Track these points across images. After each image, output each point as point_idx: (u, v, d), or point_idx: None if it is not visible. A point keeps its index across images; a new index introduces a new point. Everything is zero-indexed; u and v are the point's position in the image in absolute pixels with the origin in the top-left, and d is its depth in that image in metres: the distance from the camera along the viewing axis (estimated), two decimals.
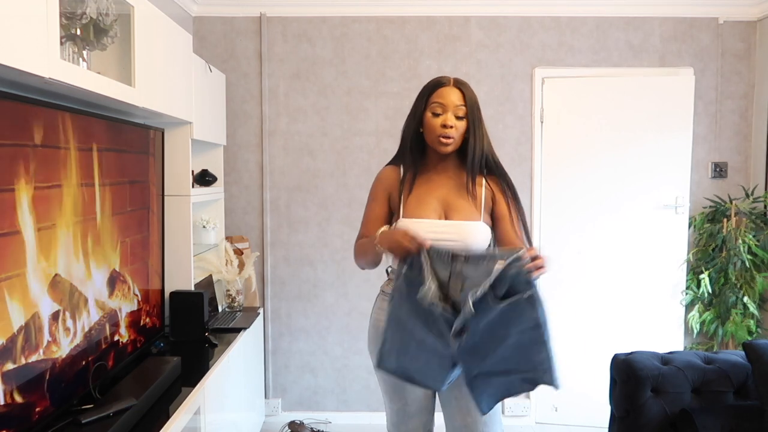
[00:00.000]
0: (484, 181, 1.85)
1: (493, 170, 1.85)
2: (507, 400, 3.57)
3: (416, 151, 1.87)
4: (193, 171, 2.94)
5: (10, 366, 1.50)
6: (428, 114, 1.81)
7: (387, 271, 1.93)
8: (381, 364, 1.72)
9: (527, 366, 1.64)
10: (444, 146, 1.80)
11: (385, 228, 1.79)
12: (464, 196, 1.82)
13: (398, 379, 1.76)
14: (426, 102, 1.81)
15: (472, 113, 1.80)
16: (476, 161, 1.81)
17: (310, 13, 3.46)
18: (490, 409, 1.71)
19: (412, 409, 1.92)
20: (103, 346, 2.02)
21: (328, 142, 3.52)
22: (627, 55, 3.47)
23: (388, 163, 1.95)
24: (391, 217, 1.89)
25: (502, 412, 3.58)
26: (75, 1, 1.80)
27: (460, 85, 1.82)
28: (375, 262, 1.84)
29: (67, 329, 1.77)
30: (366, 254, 1.84)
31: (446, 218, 1.81)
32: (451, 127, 1.78)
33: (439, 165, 1.87)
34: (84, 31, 1.91)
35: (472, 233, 1.78)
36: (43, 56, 1.53)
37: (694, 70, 3.47)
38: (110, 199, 2.05)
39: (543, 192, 3.51)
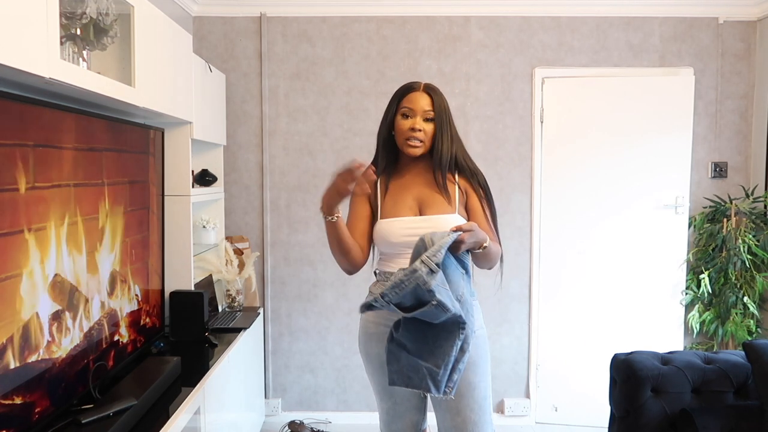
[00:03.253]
0: (456, 178, 1.91)
1: (464, 170, 1.90)
2: (507, 400, 3.57)
3: (389, 154, 1.93)
4: (193, 171, 2.94)
5: (10, 366, 1.50)
6: (398, 117, 1.87)
7: (375, 272, 1.96)
8: (392, 383, 1.76)
9: (433, 359, 1.69)
10: (412, 149, 1.86)
11: (385, 242, 1.83)
12: (437, 193, 1.87)
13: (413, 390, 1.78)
14: (396, 106, 1.88)
15: (440, 117, 1.85)
16: (443, 161, 1.86)
17: (310, 13, 3.46)
18: (393, 384, 1.73)
19: (402, 409, 1.94)
20: (103, 346, 2.02)
21: (328, 142, 3.52)
22: (627, 55, 3.47)
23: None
24: (373, 218, 1.93)
25: (503, 412, 3.58)
26: (75, 1, 1.80)
27: (429, 90, 1.87)
28: (340, 248, 1.82)
29: (67, 329, 1.77)
30: (330, 240, 1.81)
31: (421, 214, 1.86)
32: (419, 130, 1.83)
33: (412, 166, 1.92)
34: (84, 31, 1.91)
35: (447, 226, 1.81)
36: (43, 56, 1.53)
37: (694, 70, 3.47)
38: (110, 199, 2.05)
39: (543, 192, 3.51)
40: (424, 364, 1.69)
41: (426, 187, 1.89)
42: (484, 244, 1.72)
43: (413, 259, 1.61)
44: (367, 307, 1.65)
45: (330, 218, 1.75)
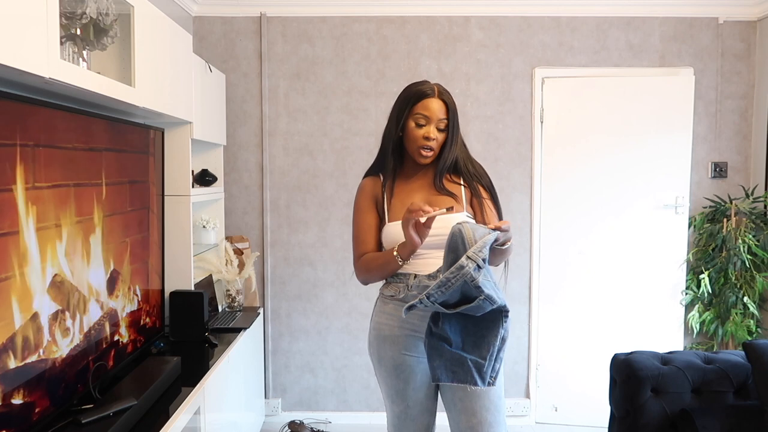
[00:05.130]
0: (461, 180, 1.92)
1: (464, 173, 1.91)
2: (507, 400, 3.56)
3: (396, 156, 1.92)
4: (193, 171, 2.94)
5: (10, 366, 1.50)
6: (411, 123, 1.85)
7: None
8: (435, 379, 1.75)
9: (477, 351, 1.68)
10: (424, 158, 1.87)
11: (397, 245, 1.80)
12: (444, 193, 1.88)
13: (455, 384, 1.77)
14: (410, 111, 1.85)
15: (453, 125, 1.86)
16: (446, 165, 1.88)
17: (310, 13, 3.46)
18: (437, 381, 1.72)
19: (414, 412, 1.92)
20: (103, 346, 2.02)
21: (328, 142, 3.52)
22: (627, 55, 3.47)
23: (366, 175, 2.00)
24: (380, 222, 1.92)
25: None
26: (75, 1, 1.80)
27: (443, 96, 1.86)
28: (390, 275, 1.88)
29: (67, 329, 1.77)
30: (384, 270, 1.85)
31: None
32: (434, 139, 1.84)
33: (418, 168, 1.93)
34: (84, 31, 1.91)
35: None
36: (43, 56, 1.53)
37: (694, 70, 3.47)
38: (110, 199, 2.05)
39: (543, 192, 3.51)
40: (469, 356, 1.67)
41: (433, 188, 1.90)
42: (509, 242, 1.72)
43: (450, 250, 1.60)
44: (410, 308, 1.63)
45: (404, 263, 1.77)
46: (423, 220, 1.67)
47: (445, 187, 1.88)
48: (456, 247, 1.58)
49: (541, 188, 3.51)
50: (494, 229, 1.61)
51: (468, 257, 1.54)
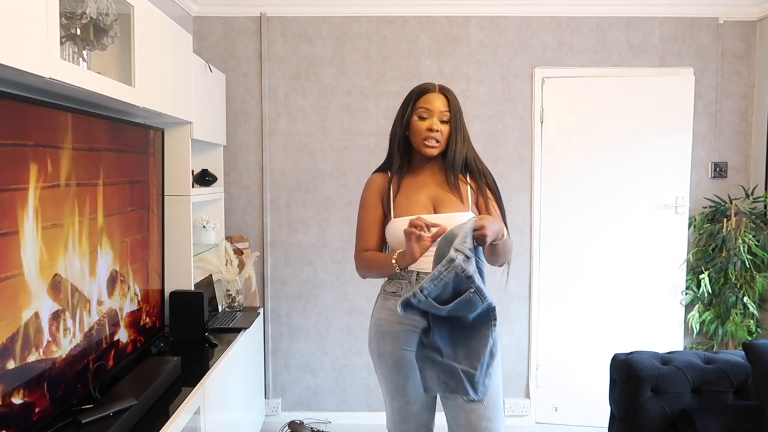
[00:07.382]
0: (467, 179, 1.94)
1: (473, 171, 1.93)
2: (507, 400, 3.57)
3: (403, 154, 1.95)
4: (193, 171, 2.94)
5: (10, 366, 1.50)
6: (415, 118, 1.90)
7: None
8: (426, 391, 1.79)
9: (468, 361, 1.70)
10: (429, 149, 1.89)
11: (397, 252, 1.80)
12: (450, 192, 1.90)
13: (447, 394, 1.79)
14: (413, 107, 1.90)
15: (456, 119, 1.89)
16: (456, 163, 1.89)
17: (310, 13, 3.46)
18: (430, 391, 1.76)
19: (414, 408, 1.92)
20: (103, 346, 2.02)
21: (328, 142, 3.52)
22: (627, 55, 3.47)
23: (375, 171, 2.02)
24: (385, 218, 1.93)
25: None
26: (75, 1, 1.80)
27: (445, 91, 1.91)
28: (381, 276, 1.91)
29: (67, 329, 1.77)
30: (381, 272, 1.87)
31: (435, 212, 1.88)
32: (437, 131, 1.87)
33: (425, 166, 1.95)
34: (84, 31, 1.91)
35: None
36: (43, 56, 1.53)
37: (694, 70, 3.47)
38: (110, 199, 2.05)
39: (543, 192, 3.51)
40: (460, 366, 1.69)
41: (439, 186, 1.91)
42: (503, 235, 1.73)
43: (438, 255, 1.61)
44: (406, 304, 1.61)
45: (401, 271, 1.78)
46: (429, 235, 1.66)
47: (456, 187, 1.89)
48: (448, 244, 1.61)
49: (541, 188, 3.51)
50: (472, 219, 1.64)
51: (456, 249, 1.56)
